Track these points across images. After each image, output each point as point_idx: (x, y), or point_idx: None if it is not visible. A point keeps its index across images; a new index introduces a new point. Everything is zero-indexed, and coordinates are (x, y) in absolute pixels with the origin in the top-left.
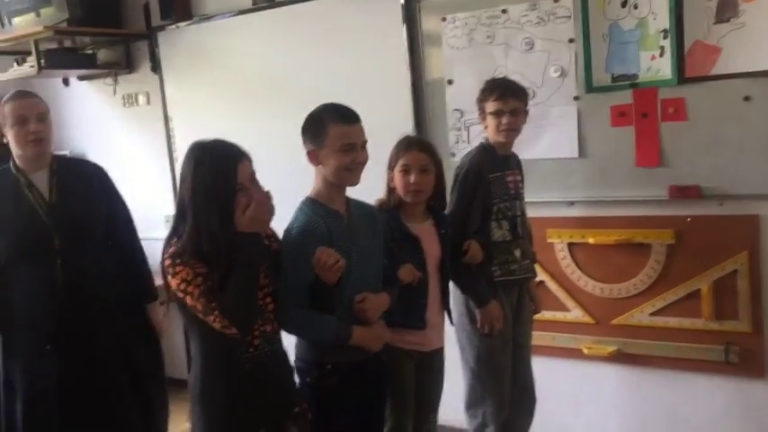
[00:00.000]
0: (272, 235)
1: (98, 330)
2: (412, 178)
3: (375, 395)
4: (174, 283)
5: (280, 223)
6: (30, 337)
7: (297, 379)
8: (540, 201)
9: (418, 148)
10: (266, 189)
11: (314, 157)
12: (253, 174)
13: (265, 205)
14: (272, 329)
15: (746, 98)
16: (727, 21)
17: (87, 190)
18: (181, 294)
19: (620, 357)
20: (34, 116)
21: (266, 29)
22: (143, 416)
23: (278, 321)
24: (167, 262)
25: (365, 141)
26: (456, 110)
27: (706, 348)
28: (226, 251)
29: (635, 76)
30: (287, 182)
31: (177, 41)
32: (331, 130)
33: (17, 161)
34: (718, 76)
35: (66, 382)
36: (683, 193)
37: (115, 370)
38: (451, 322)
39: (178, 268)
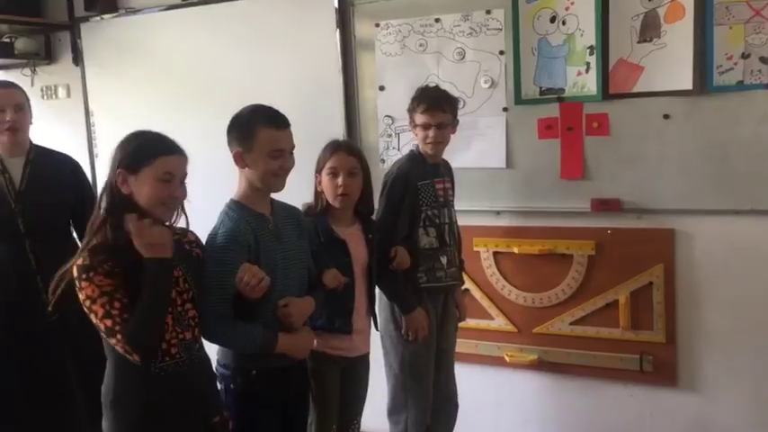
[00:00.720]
0: (195, 240)
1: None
2: (339, 181)
3: (298, 401)
4: (80, 296)
5: (203, 225)
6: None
7: (219, 385)
8: (467, 209)
9: (346, 152)
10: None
11: (240, 159)
12: (185, 174)
13: (162, 234)
14: (192, 337)
15: (666, 116)
16: (650, 41)
17: (56, 181)
18: (86, 310)
19: (540, 365)
20: (12, 106)
21: (196, 26)
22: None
23: (200, 330)
24: (75, 273)
25: (293, 147)
26: (387, 116)
27: (622, 357)
28: (128, 253)
29: (562, 90)
30: (210, 182)
31: (101, 34)
32: (260, 133)
33: None
34: (640, 93)
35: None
36: (604, 205)
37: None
38: (377, 328)
39: (84, 284)
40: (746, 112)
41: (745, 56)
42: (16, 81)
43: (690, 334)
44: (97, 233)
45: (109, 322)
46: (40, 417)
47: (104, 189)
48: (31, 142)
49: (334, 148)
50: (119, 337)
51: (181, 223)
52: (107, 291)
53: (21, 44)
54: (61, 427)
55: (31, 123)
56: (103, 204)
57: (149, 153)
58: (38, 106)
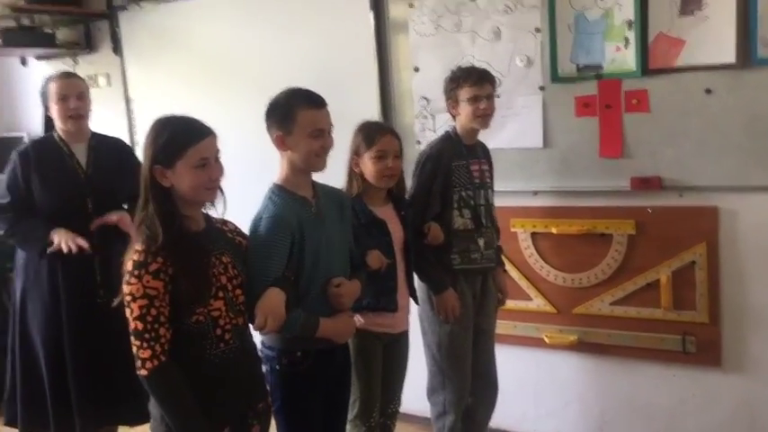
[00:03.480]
0: (234, 228)
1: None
2: (390, 163)
3: (341, 382)
4: (125, 288)
5: (242, 210)
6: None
7: (264, 366)
8: (504, 190)
9: (392, 134)
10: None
11: (282, 142)
12: (217, 151)
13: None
14: (243, 322)
15: (708, 91)
16: (691, 13)
17: (118, 165)
18: (125, 303)
19: (580, 346)
20: (74, 94)
21: (231, 11)
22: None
23: (247, 316)
24: (129, 265)
25: (332, 126)
26: (422, 98)
27: (664, 338)
28: (178, 243)
29: (600, 66)
30: (251, 166)
31: (139, 22)
32: (300, 115)
33: (60, 133)
34: (681, 68)
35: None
36: (644, 184)
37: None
38: (417, 302)
39: (132, 280)
40: None
41: None
42: (58, 71)
43: (734, 313)
44: (141, 227)
45: (140, 325)
46: (87, 395)
47: (143, 186)
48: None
49: (378, 130)
50: (143, 353)
51: (218, 203)
52: (150, 294)
53: (62, 34)
54: (105, 407)
55: (91, 111)
56: (147, 200)
57: (180, 146)
58: None
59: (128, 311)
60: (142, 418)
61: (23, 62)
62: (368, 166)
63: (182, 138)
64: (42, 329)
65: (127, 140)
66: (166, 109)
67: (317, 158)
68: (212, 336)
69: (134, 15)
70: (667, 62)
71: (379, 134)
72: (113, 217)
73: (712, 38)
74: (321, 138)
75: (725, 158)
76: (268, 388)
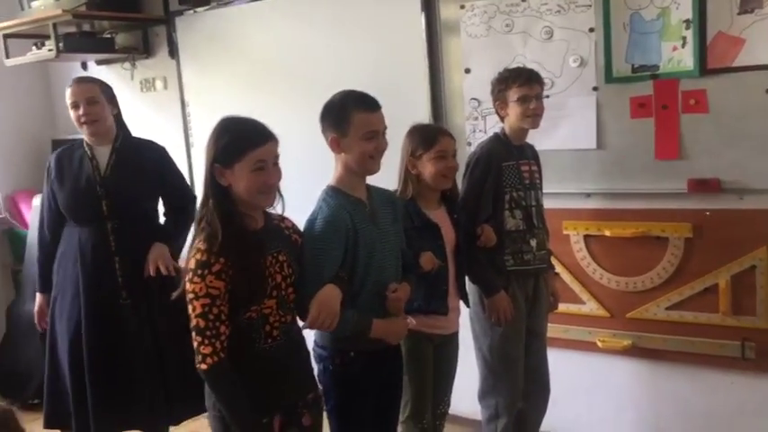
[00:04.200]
0: (292, 225)
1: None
2: (450, 163)
3: (392, 384)
4: (188, 286)
5: (299, 211)
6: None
7: (315, 365)
8: (556, 192)
9: (448, 135)
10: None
11: (336, 145)
12: (276, 156)
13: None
14: (292, 319)
15: None
16: (752, 11)
17: (139, 167)
18: (188, 301)
19: (634, 351)
20: (84, 100)
21: (284, 15)
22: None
23: (298, 314)
24: (192, 264)
25: (386, 128)
26: (473, 99)
27: (722, 344)
28: (236, 242)
29: (656, 66)
30: (305, 169)
31: (195, 26)
32: (354, 117)
33: (84, 137)
34: (741, 67)
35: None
36: (702, 186)
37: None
38: (467, 305)
39: (196, 279)
40: None
41: None
42: (117, 75)
43: None
44: (202, 225)
45: (202, 323)
46: (111, 396)
47: (204, 183)
48: (119, 131)
49: (438, 131)
50: (204, 349)
51: (277, 205)
52: (213, 293)
53: (121, 39)
54: (121, 412)
55: (115, 113)
56: (208, 197)
57: (238, 150)
58: (137, 99)
59: (190, 308)
60: (159, 425)
61: (84, 66)
62: (427, 167)
63: (242, 141)
64: (67, 331)
65: (182, 142)
66: (221, 112)
67: (372, 160)
68: (261, 332)
69: (190, 20)
70: (726, 61)
71: (437, 135)
72: (150, 270)
73: None
74: (375, 140)
75: None
76: (321, 387)
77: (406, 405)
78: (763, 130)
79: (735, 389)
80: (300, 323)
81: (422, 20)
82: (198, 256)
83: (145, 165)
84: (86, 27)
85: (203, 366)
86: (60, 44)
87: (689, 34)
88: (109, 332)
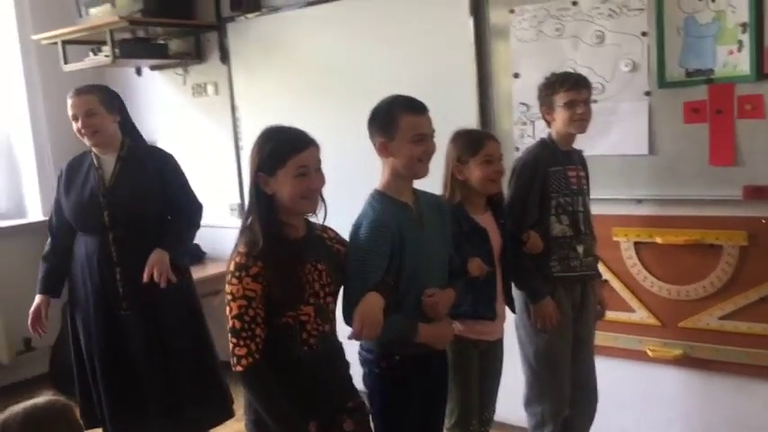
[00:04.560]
0: (334, 236)
1: (149, 300)
2: (497, 167)
3: (438, 388)
4: (227, 288)
5: (342, 216)
6: (83, 294)
7: (361, 368)
8: (606, 198)
9: (494, 139)
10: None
11: (384, 149)
12: (318, 162)
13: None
14: (330, 329)
15: None
16: None
17: (142, 176)
18: (226, 302)
19: (686, 361)
20: (82, 113)
21: (333, 20)
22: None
23: (344, 318)
24: (231, 266)
25: (434, 131)
26: (522, 104)
27: None
28: (276, 249)
29: (711, 71)
30: (354, 174)
31: (246, 33)
32: (402, 120)
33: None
34: None
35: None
36: (758, 193)
37: (148, 343)
38: (513, 311)
39: (233, 280)
40: None
41: None
42: (170, 81)
43: None
44: (244, 230)
45: (238, 324)
46: (113, 406)
47: (249, 192)
48: (125, 138)
49: (484, 137)
50: (239, 350)
51: (320, 212)
52: (249, 295)
53: (174, 45)
54: (133, 419)
55: (118, 120)
56: (252, 205)
57: (280, 156)
58: (189, 103)
59: (227, 310)
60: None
61: (138, 72)
62: (474, 173)
63: (283, 147)
64: (83, 338)
65: (232, 146)
66: (271, 117)
67: (420, 164)
68: (298, 339)
69: (241, 26)
70: None
71: (484, 139)
72: (144, 276)
73: None
74: (423, 143)
75: None
76: (366, 390)
77: (453, 411)
78: None
79: None
80: (344, 335)
81: (470, 24)
82: (237, 258)
83: (148, 173)
84: (141, 33)
85: (239, 368)
86: (116, 50)
87: (745, 38)
88: (113, 343)
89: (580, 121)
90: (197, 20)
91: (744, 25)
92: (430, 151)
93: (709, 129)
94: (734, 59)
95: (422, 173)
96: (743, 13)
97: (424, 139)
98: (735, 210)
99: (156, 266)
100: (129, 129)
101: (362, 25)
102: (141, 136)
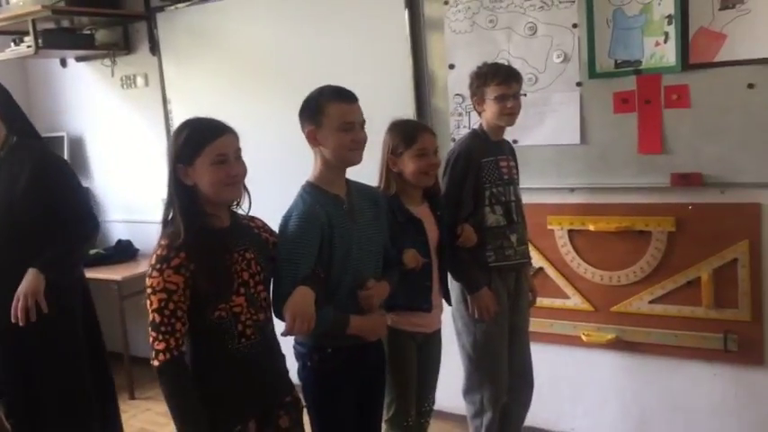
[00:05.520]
0: (262, 225)
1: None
2: (431, 160)
3: (374, 379)
4: (147, 282)
5: (281, 209)
6: None
7: (296, 363)
8: (540, 187)
9: (429, 132)
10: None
11: (313, 137)
12: (238, 150)
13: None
14: (265, 318)
15: (750, 85)
16: (733, 7)
17: (19, 182)
18: (146, 297)
19: (618, 345)
20: None
21: (266, 10)
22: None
23: (273, 312)
24: (153, 259)
25: (364, 121)
26: (457, 95)
27: (705, 336)
28: (200, 240)
29: (638, 62)
30: (286, 165)
31: (176, 23)
32: (329, 108)
33: None
34: (723, 62)
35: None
36: (684, 180)
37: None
38: (449, 303)
39: (154, 273)
40: None
41: None
42: (97, 72)
43: None
44: (167, 226)
45: (158, 318)
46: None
47: (168, 185)
48: (10, 136)
49: (419, 128)
50: (157, 345)
51: (243, 202)
52: (170, 288)
53: (101, 36)
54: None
55: None
56: (172, 198)
57: (196, 145)
58: (118, 96)
59: (147, 303)
60: None
61: (63, 63)
62: (408, 165)
63: (199, 136)
64: None
65: (164, 139)
66: (204, 108)
67: (350, 152)
68: (234, 331)
69: (171, 16)
70: (708, 57)
71: (418, 132)
72: (12, 317)
73: (754, 31)
74: (352, 131)
75: (767, 154)
76: (301, 384)
77: (391, 404)
78: (744, 124)
79: (717, 381)
80: (278, 330)
81: (405, 15)
82: (159, 251)
83: (27, 178)
84: (66, 23)
85: (155, 363)
86: (39, 40)
87: (671, 30)
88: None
89: (509, 114)
90: (125, 9)
91: (669, 17)
92: (358, 140)
93: (637, 118)
94: (660, 51)
95: (353, 160)
96: (669, 5)
97: (353, 128)
98: (663, 197)
99: (23, 299)
100: (16, 125)
101: (296, 16)
102: (36, 133)
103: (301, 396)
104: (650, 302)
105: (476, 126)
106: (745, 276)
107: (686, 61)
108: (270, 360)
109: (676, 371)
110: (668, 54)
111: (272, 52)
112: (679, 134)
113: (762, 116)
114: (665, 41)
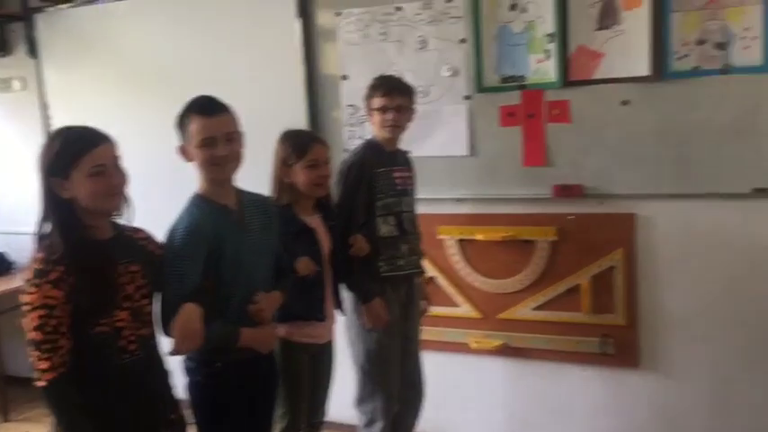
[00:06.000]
0: (147, 236)
1: None
2: (323, 171)
3: (265, 393)
4: (24, 298)
5: (167, 219)
6: None
7: (185, 378)
8: (431, 198)
9: (321, 143)
10: (126, 175)
11: (184, 152)
12: (116, 158)
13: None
14: (150, 333)
15: (625, 102)
16: (609, 27)
17: None
18: (24, 312)
19: (505, 351)
20: None
21: (154, 15)
22: None
23: (162, 331)
24: (29, 274)
25: (231, 132)
26: (350, 105)
27: (584, 341)
28: (79, 252)
29: (523, 77)
30: (173, 174)
31: (57, 25)
32: (191, 124)
33: None
34: (600, 80)
35: None
36: (566, 191)
37: None
38: (343, 313)
39: (31, 289)
40: (702, 98)
41: (700, 42)
42: None
43: (650, 316)
44: (43, 239)
45: (39, 336)
46: None
47: (42, 199)
48: None
49: (309, 139)
50: (41, 364)
51: (124, 212)
52: (49, 304)
53: None
54: None
55: None
56: (47, 212)
57: (71, 157)
58: None
59: (26, 321)
60: None
61: None
62: (300, 176)
63: (73, 147)
64: None
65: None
66: (87, 115)
67: (215, 167)
68: (116, 346)
69: (52, 18)
70: (586, 74)
71: (310, 143)
72: None
73: (628, 51)
74: (212, 146)
75: (641, 167)
76: (189, 400)
77: (282, 417)
78: (619, 139)
79: (596, 383)
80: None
81: (298, 25)
82: (35, 265)
83: None
84: None
85: (41, 383)
86: None
87: (552, 47)
88: None
89: (391, 126)
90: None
91: (551, 35)
92: (221, 155)
93: (522, 132)
94: (543, 67)
95: (220, 176)
96: (550, 24)
97: (214, 143)
98: (546, 207)
99: None
100: None
101: (187, 20)
102: None
103: (189, 413)
104: (534, 309)
105: (370, 137)
106: (620, 283)
107: (566, 78)
108: (153, 376)
109: (558, 374)
110: (550, 70)
111: (161, 58)
112: (561, 147)
113: (636, 131)
114: (548, 58)
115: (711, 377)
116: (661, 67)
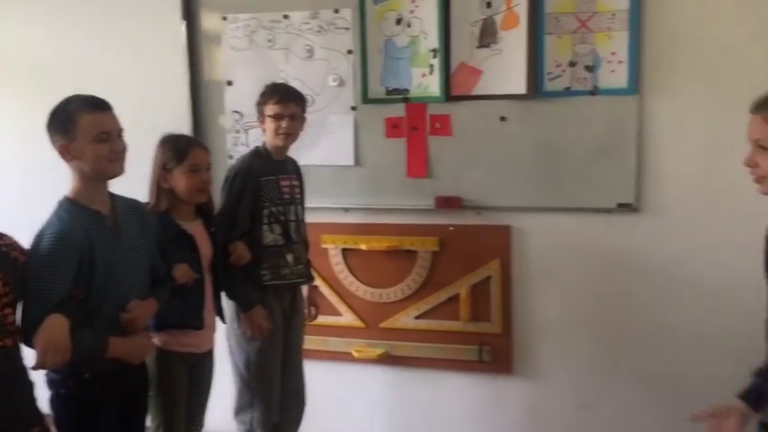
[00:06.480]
0: (11, 243)
1: None
2: (204, 177)
3: (136, 404)
4: None
5: (34, 226)
6: None
7: (48, 391)
8: (316, 206)
9: (202, 148)
10: None
11: (66, 151)
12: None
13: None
14: (12, 343)
15: (503, 118)
16: (488, 46)
17: None
18: None
19: (387, 359)
20: None
21: (32, 7)
22: None
23: (24, 342)
24: None
25: (121, 130)
26: (235, 111)
27: (463, 349)
28: None
29: (407, 90)
30: (39, 177)
31: None
32: (81, 119)
33: None
34: (479, 96)
35: None
36: (446, 203)
37: None
38: (224, 321)
39: None
40: (572, 117)
41: (572, 64)
42: None
43: (524, 325)
44: None
45: None
46: None
47: None
48: None
49: (190, 144)
50: None
51: None
52: None
53: None
54: None
55: None
56: None
57: None
58: None
59: None
60: None
61: None
62: (180, 181)
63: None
64: None
65: None
66: None
67: (110, 163)
68: None
69: None
70: (467, 90)
71: (189, 148)
72: None
73: (506, 70)
74: (109, 141)
75: (517, 181)
76: (52, 414)
77: (158, 429)
78: (496, 153)
79: (474, 389)
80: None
81: (183, 28)
82: None
83: None
84: None
85: None
86: None
87: (436, 62)
88: None
89: (285, 135)
90: None
91: (434, 51)
92: (117, 149)
93: (406, 143)
94: (426, 81)
95: (115, 172)
96: (433, 40)
97: (110, 138)
98: (428, 218)
99: None
100: None
101: (63, 18)
102: None
103: (52, 427)
104: (416, 318)
105: (258, 144)
106: (496, 292)
107: (448, 93)
108: (14, 388)
109: (438, 382)
110: (433, 85)
111: (34, 56)
112: (442, 160)
113: (512, 147)
114: (431, 73)
115: (578, 379)
116: (536, 86)
